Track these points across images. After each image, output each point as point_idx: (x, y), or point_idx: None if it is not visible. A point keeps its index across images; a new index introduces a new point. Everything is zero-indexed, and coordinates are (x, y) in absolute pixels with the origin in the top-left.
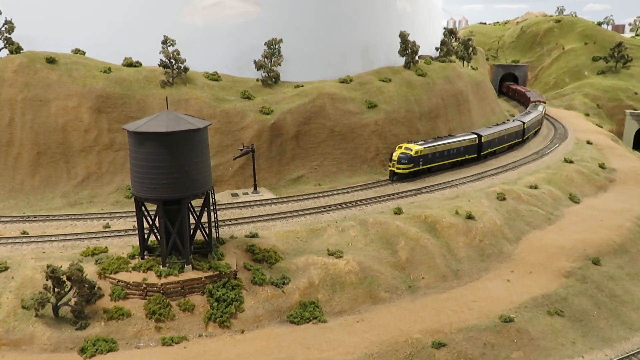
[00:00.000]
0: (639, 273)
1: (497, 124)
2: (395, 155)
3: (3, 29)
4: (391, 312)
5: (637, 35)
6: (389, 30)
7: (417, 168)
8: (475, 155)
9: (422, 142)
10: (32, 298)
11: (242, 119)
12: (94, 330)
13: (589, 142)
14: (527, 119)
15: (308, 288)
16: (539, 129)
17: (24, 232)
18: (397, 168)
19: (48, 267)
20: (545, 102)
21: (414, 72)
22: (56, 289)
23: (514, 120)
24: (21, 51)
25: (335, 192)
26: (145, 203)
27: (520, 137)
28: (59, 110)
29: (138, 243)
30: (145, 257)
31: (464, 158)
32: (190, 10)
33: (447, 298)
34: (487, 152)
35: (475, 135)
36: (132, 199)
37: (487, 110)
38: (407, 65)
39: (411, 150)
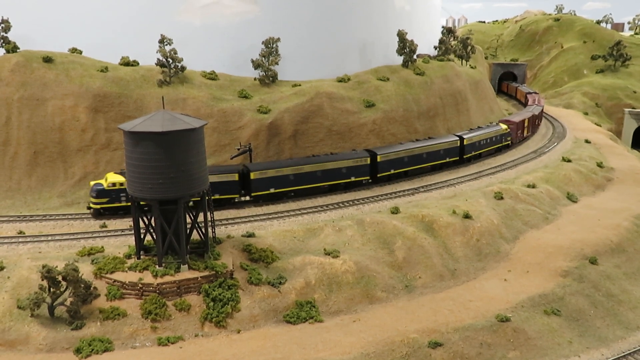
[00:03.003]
0: (636, 272)
1: (332, 154)
2: (91, 183)
3: (0, 28)
4: (388, 311)
5: (636, 33)
6: (387, 29)
7: (117, 204)
8: (237, 196)
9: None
10: (27, 298)
11: (240, 118)
12: (89, 330)
13: (587, 141)
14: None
15: (304, 288)
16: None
17: (21, 232)
18: (90, 201)
19: (44, 267)
20: (510, 124)
21: (412, 71)
22: (52, 289)
23: (357, 152)
24: (18, 50)
25: (332, 192)
26: (141, 203)
27: (368, 174)
28: (56, 109)
29: (134, 243)
30: (142, 257)
31: (222, 197)
32: (187, 9)
33: (444, 298)
34: (259, 194)
35: (237, 171)
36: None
37: (486, 109)
38: (405, 64)
39: (106, 181)
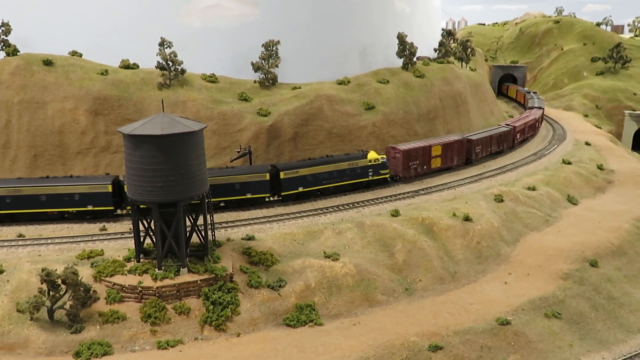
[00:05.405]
0: (637, 275)
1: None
2: None
3: (0, 31)
4: (388, 314)
5: (636, 35)
6: (387, 32)
7: None
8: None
9: None
10: (27, 302)
11: (240, 120)
12: (89, 333)
13: (587, 143)
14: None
15: (304, 291)
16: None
17: (20, 235)
18: None
19: (43, 270)
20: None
21: (412, 74)
22: (51, 293)
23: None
24: (18, 53)
25: (332, 195)
26: (141, 206)
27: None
28: (56, 112)
29: (134, 246)
30: (141, 260)
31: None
32: (187, 12)
33: (444, 300)
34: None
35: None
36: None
37: (486, 112)
38: (405, 67)
39: None
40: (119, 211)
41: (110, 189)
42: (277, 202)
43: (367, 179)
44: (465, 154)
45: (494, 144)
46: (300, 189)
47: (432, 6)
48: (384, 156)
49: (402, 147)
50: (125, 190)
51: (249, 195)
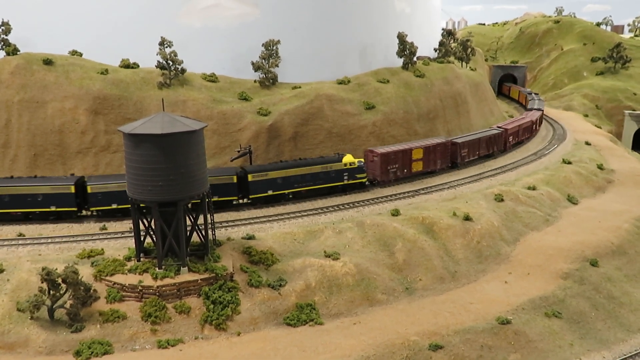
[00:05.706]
0: (637, 274)
1: None
2: None
3: (0, 30)
4: (388, 314)
5: (636, 35)
6: (387, 31)
7: None
8: None
9: None
10: (27, 301)
11: (240, 120)
12: (89, 332)
13: (587, 143)
14: None
15: (305, 290)
16: None
17: (20, 234)
18: None
19: (43, 269)
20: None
21: (412, 73)
22: (51, 292)
23: None
24: (18, 53)
25: (333, 194)
26: (141, 205)
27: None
28: (56, 111)
29: (134, 245)
30: (142, 259)
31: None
32: (188, 12)
33: (444, 300)
34: None
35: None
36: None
37: (486, 111)
38: (405, 66)
39: None
40: (83, 212)
41: (72, 189)
42: (278, 203)
43: (342, 183)
44: (449, 158)
45: (483, 147)
46: (270, 192)
47: (432, 6)
48: (362, 160)
49: (380, 150)
50: (89, 191)
51: (216, 198)
